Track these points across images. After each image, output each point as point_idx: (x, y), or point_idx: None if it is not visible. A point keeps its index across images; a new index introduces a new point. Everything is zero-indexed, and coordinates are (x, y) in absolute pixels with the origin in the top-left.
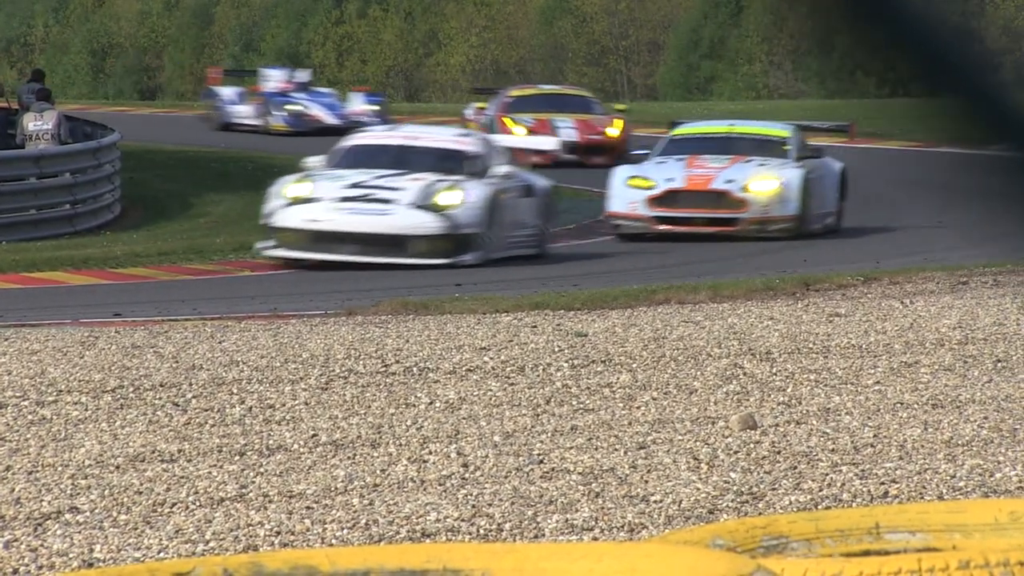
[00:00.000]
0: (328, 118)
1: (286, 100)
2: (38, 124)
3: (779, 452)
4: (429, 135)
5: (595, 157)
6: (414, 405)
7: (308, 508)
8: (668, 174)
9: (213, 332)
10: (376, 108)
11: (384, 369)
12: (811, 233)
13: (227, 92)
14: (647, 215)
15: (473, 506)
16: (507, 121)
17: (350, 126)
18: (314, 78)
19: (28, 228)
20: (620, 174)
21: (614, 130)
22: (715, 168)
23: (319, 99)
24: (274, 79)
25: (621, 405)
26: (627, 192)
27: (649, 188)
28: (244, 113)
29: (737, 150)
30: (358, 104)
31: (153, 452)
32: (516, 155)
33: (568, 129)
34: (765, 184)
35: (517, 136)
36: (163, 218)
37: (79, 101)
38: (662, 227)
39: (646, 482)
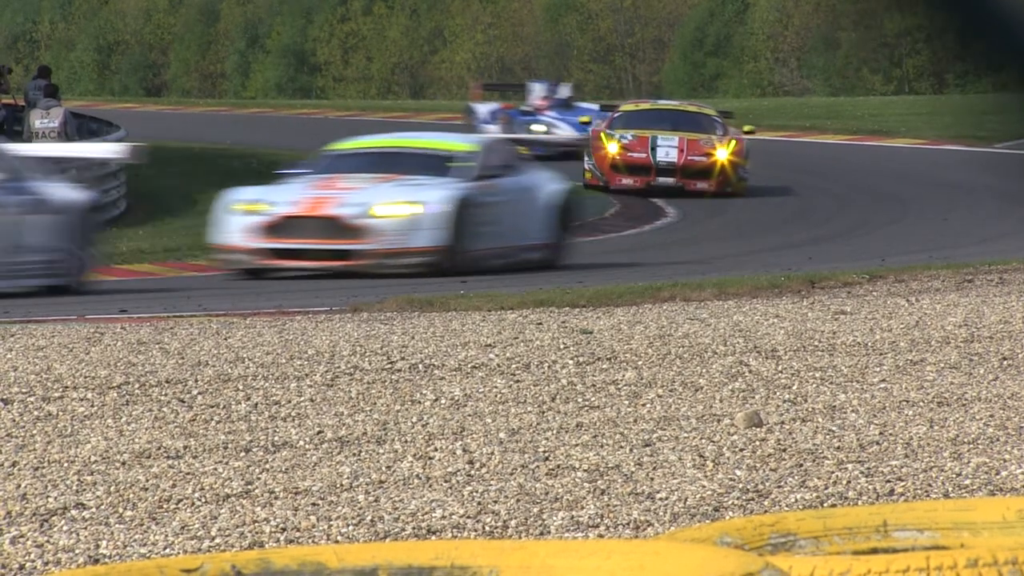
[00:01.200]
0: (576, 139)
1: (531, 119)
2: (44, 122)
3: (785, 450)
4: None
5: (698, 182)
6: (420, 402)
7: (314, 505)
8: (290, 197)
9: (219, 329)
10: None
11: (390, 366)
12: (470, 270)
13: (483, 109)
14: (256, 247)
15: (479, 503)
16: (603, 137)
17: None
18: (577, 93)
19: None
20: (227, 197)
21: (723, 152)
22: (347, 189)
23: (570, 117)
24: (535, 94)
25: (626, 402)
26: (234, 219)
27: (261, 214)
28: (494, 133)
29: (398, 167)
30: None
31: (159, 448)
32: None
33: (669, 148)
34: (395, 208)
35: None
36: (168, 215)
37: (85, 98)
38: (275, 262)
39: (652, 479)
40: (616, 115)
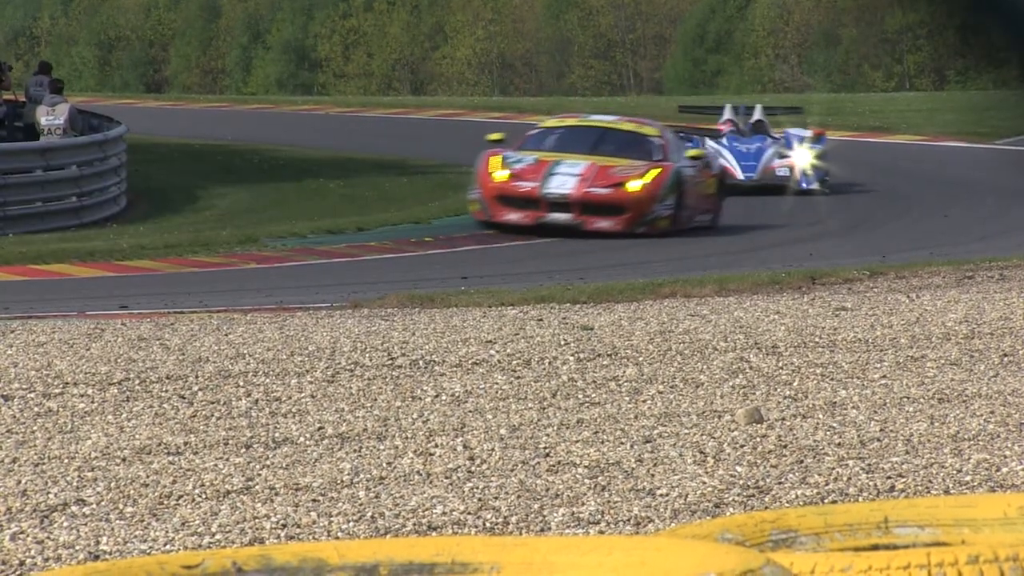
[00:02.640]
0: (738, 173)
1: (694, 147)
2: (50, 119)
3: (785, 446)
4: None
5: (600, 220)
6: (420, 398)
7: (314, 501)
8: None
9: (219, 325)
10: (814, 158)
11: (390, 362)
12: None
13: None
14: None
15: (479, 499)
16: (492, 162)
17: (770, 185)
18: (768, 117)
19: (34, 220)
20: None
21: (637, 183)
22: None
23: (745, 146)
24: (725, 115)
25: (627, 399)
26: None
27: None
28: None
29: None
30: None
31: (159, 444)
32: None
33: (568, 176)
34: None
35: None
36: (169, 211)
37: (86, 94)
38: None
39: (652, 476)
40: (533, 133)
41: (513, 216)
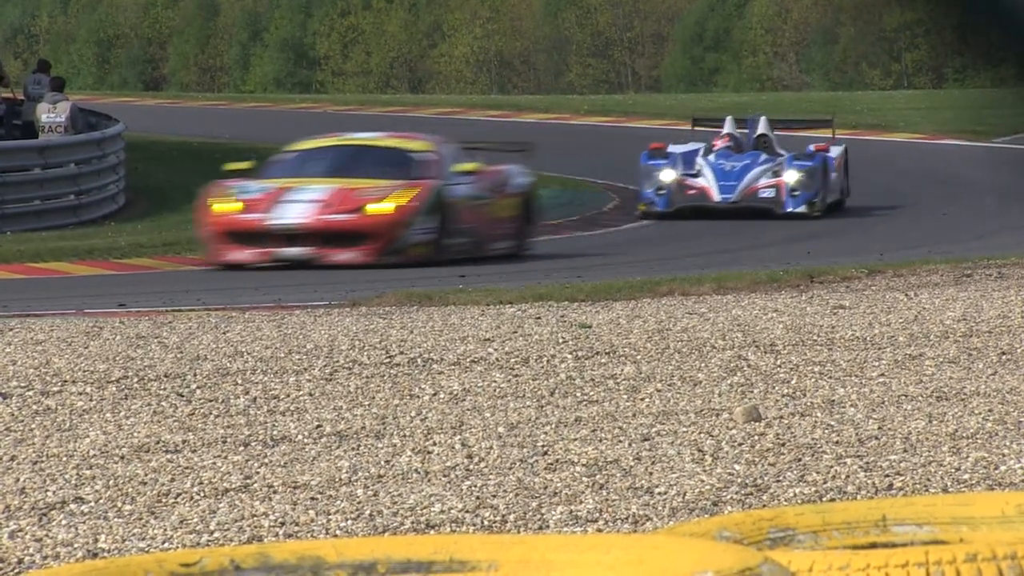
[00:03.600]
0: (714, 193)
1: (666, 163)
2: (51, 116)
3: (783, 444)
4: None
5: (340, 251)
6: (418, 396)
7: (312, 499)
8: None
9: (217, 323)
10: (801, 179)
11: (388, 360)
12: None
13: (676, 151)
14: None
15: (477, 497)
16: (217, 194)
17: (751, 208)
18: (772, 130)
19: (33, 218)
20: None
21: (381, 205)
22: None
23: (732, 163)
24: (725, 128)
25: (625, 397)
26: None
27: None
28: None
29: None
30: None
31: (157, 442)
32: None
33: (304, 204)
34: None
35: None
36: (167, 209)
37: (84, 92)
38: None
39: (650, 474)
40: (277, 158)
41: (242, 254)
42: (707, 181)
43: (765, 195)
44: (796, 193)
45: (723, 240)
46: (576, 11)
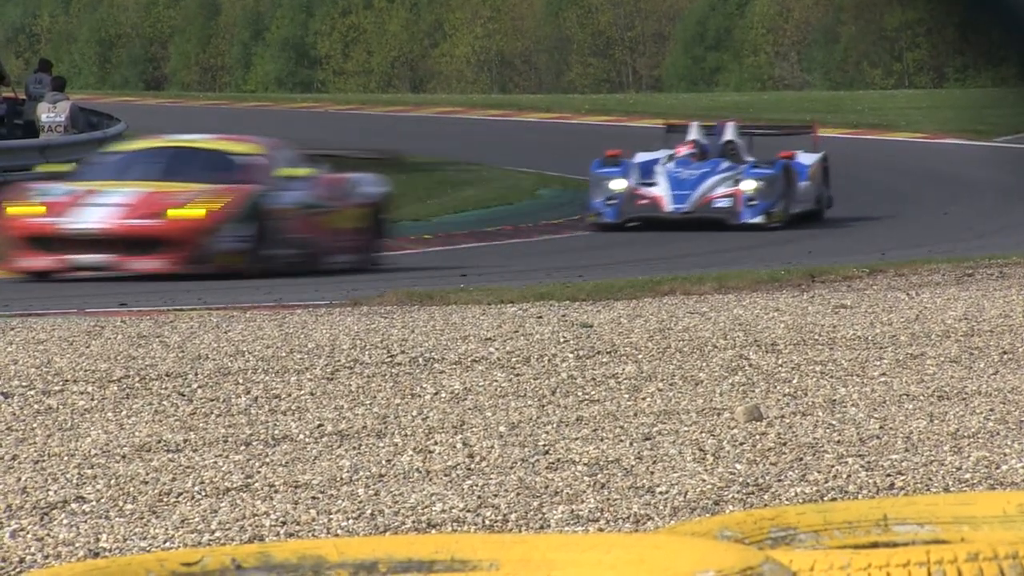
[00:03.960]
0: (666, 203)
1: (618, 171)
2: (51, 116)
3: (785, 444)
4: None
5: (141, 259)
6: (420, 395)
7: (314, 498)
8: None
9: (219, 322)
10: (758, 188)
11: (390, 359)
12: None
13: (639, 157)
14: None
15: (479, 497)
16: (17, 197)
17: (705, 219)
18: (742, 137)
19: None
20: None
21: (185, 210)
22: None
23: (688, 171)
24: (690, 135)
25: (626, 396)
26: None
27: None
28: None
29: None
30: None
31: (159, 442)
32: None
33: (106, 208)
34: None
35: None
36: None
37: (85, 91)
38: None
39: (651, 473)
40: (92, 161)
41: (39, 261)
42: (661, 190)
43: (720, 204)
44: (753, 203)
45: (724, 240)
46: (577, 10)
